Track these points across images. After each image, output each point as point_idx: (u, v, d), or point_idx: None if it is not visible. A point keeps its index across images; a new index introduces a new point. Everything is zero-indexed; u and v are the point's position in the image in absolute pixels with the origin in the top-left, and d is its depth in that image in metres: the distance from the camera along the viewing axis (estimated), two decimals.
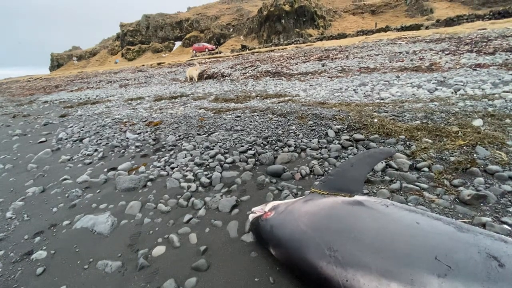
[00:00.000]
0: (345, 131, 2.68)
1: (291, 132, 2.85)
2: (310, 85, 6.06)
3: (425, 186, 1.79)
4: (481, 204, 1.59)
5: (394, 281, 0.86)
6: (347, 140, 2.49)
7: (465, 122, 2.54)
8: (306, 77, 7.33)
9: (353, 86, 5.23)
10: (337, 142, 2.49)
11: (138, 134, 3.67)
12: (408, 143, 2.31)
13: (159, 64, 24.22)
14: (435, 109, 2.98)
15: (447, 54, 7.47)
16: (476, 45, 8.30)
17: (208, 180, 2.12)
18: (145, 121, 4.34)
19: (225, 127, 3.39)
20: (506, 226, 1.42)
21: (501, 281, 0.78)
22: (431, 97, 3.67)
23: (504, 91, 3.46)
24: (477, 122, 2.49)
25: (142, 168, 2.52)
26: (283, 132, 2.90)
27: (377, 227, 1.02)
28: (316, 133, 2.75)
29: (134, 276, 1.33)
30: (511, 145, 2.08)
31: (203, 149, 2.77)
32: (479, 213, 1.52)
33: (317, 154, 2.33)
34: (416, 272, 0.85)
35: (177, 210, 1.84)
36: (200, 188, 2.07)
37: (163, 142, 3.18)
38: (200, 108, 4.87)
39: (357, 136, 2.51)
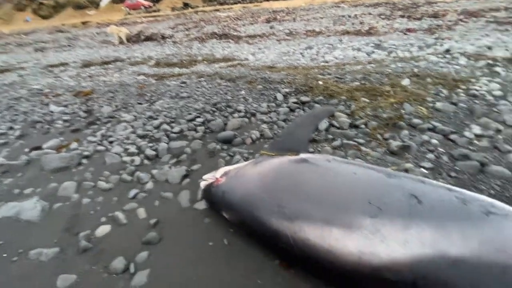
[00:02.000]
0: (293, 94, 2.73)
1: (241, 97, 2.78)
2: (258, 49, 5.90)
3: (362, 141, 1.97)
4: (406, 153, 1.84)
5: (335, 226, 0.94)
6: (294, 103, 2.55)
7: (396, 82, 2.80)
8: (254, 40, 7.09)
9: (300, 49, 5.26)
10: (285, 105, 2.53)
11: (65, 106, 3.17)
12: (348, 103, 2.47)
13: (84, 23, 20.63)
14: (372, 70, 3.20)
15: (383, 19, 7.94)
16: (407, 10, 8.98)
17: (153, 152, 1.98)
18: (72, 91, 3.75)
19: (169, 94, 3.14)
20: (423, 170, 1.68)
21: (419, 214, 0.92)
22: (369, 59, 3.93)
23: (427, 53, 3.88)
24: (405, 82, 2.78)
25: (74, 145, 2.22)
26: (232, 97, 2.81)
27: (320, 180, 1.10)
28: (266, 97, 2.74)
29: (76, 259, 1.23)
30: (430, 101, 2.39)
31: (145, 119, 2.54)
32: (404, 161, 1.76)
33: (266, 118, 2.34)
34: (353, 216, 0.94)
35: (121, 186, 1.70)
36: (145, 161, 1.93)
37: (98, 114, 2.82)
38: (139, 74, 4.38)
39: (304, 98, 2.58)
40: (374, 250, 0.89)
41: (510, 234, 0.89)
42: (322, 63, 4.00)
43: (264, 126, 2.22)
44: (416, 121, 2.12)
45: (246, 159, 1.85)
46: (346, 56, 4.26)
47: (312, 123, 1.36)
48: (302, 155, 1.24)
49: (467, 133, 1.95)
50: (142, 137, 2.23)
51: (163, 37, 9.06)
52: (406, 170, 1.67)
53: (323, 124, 2.17)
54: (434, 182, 1.10)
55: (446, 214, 0.92)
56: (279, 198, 1.06)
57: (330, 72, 3.29)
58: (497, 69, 2.98)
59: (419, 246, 0.86)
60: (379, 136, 2.01)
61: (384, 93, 2.55)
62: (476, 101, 2.39)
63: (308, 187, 1.06)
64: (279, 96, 2.68)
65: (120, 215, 1.43)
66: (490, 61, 3.22)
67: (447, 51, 3.90)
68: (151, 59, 5.92)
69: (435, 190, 1.03)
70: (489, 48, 3.89)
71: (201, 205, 1.48)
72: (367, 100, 2.47)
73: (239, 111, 2.47)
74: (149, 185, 1.67)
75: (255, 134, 2.10)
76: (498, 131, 1.98)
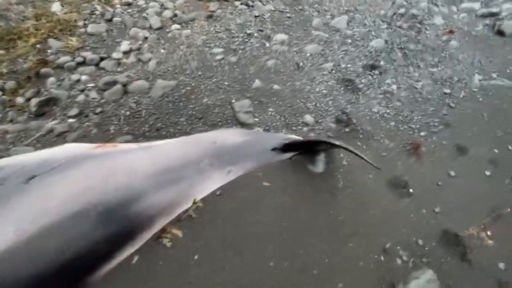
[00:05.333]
0: None
1: None
2: None
3: None
4: (54, 107, 1.59)
5: None
6: None
7: (44, 10, 2.21)
8: None
9: None
10: None
11: None
12: None
13: None
14: (12, 1, 2.35)
15: None
16: None
17: None
18: None
19: None
20: (71, 119, 1.52)
21: None
22: None
23: None
24: (56, 7, 2.24)
25: None
26: None
27: None
28: None
29: None
30: (82, 25, 2.08)
31: None
32: (50, 119, 1.51)
33: None
34: None
35: None
36: None
37: None
38: None
39: None
40: None
41: (48, 191, 0.87)
42: None
43: None
44: (64, 59, 1.80)
45: None
46: None
47: None
48: None
49: (115, 54, 1.88)
50: None
51: None
52: (51, 130, 1.45)
53: None
54: None
55: None
56: None
57: None
58: None
59: None
60: (19, 100, 1.59)
61: (24, 32, 1.96)
62: (130, 9, 2.33)
63: None
64: None
65: None
66: None
67: None
68: None
69: None
70: None
71: None
72: (2, 52, 1.83)
73: None
74: None
75: None
76: (146, 38, 2.05)
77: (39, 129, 1.45)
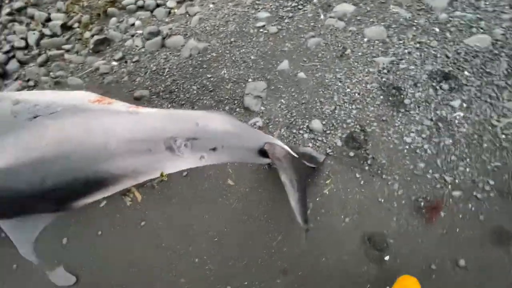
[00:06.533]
0: None
1: None
2: None
3: (69, 46, 1.82)
4: (108, 47, 1.79)
5: None
6: None
7: None
8: None
9: None
10: None
11: None
12: None
13: None
14: None
15: None
16: None
17: None
18: None
19: None
20: (114, 62, 1.71)
21: None
22: None
23: None
24: None
25: None
26: None
27: None
28: None
29: None
30: None
31: None
32: (101, 58, 1.73)
33: None
34: None
35: None
36: None
37: None
38: None
39: None
40: None
41: (43, 132, 1.05)
42: None
43: None
44: (128, 0, 1.94)
45: None
46: None
47: None
48: None
49: (169, 2, 1.89)
50: None
51: None
52: (98, 68, 1.67)
53: (32, 37, 1.87)
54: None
55: None
56: None
57: None
58: None
59: None
60: (86, 34, 1.85)
61: None
62: None
63: None
64: None
65: None
66: None
67: None
68: None
69: None
70: None
71: None
72: None
73: None
74: None
75: None
76: None
77: (90, 65, 1.71)
